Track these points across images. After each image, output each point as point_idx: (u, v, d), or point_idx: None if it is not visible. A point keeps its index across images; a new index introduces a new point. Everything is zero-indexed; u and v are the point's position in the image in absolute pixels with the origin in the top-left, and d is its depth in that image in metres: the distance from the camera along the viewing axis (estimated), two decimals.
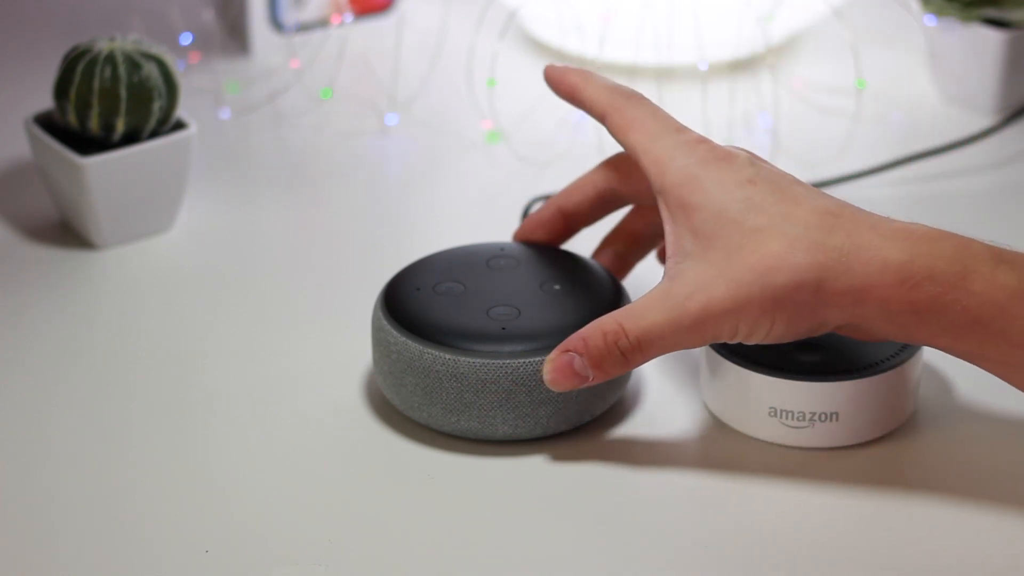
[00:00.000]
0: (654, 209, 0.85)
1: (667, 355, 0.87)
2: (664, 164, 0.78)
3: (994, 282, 0.73)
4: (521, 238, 0.88)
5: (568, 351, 0.77)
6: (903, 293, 0.74)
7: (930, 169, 1.06)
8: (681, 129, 0.80)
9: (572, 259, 0.86)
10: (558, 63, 0.88)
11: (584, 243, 0.99)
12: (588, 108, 0.84)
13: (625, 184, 0.85)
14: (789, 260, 0.74)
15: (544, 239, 0.87)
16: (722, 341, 0.77)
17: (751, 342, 0.77)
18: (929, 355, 0.86)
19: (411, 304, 0.82)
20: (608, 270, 0.85)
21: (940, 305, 0.74)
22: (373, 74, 1.17)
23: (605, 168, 0.86)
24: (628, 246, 0.88)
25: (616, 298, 0.83)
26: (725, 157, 0.77)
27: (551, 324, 0.80)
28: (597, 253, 0.89)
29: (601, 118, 0.83)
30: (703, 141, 0.79)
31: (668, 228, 0.78)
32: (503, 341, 0.80)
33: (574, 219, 0.87)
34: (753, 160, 0.78)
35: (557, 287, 0.83)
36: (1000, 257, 0.74)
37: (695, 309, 0.75)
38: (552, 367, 0.78)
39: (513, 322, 0.80)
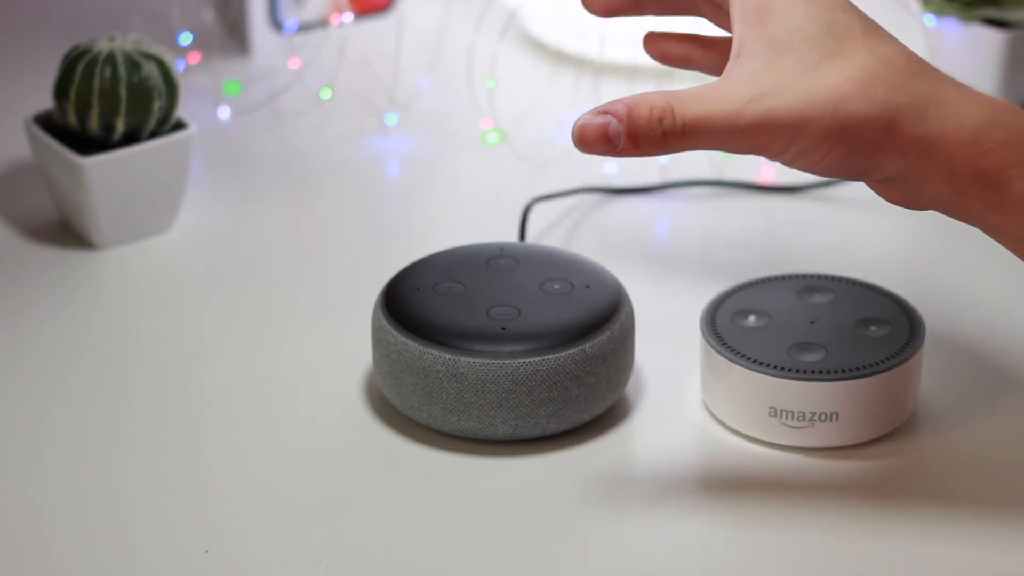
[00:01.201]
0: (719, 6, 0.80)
1: (667, 355, 0.87)
2: None
3: None
4: (587, 3, 0.82)
5: (607, 112, 0.72)
6: (973, 155, 0.70)
7: None
8: None
9: (572, 258, 0.86)
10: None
11: (586, 244, 0.99)
12: None
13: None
14: (869, 91, 0.71)
15: (603, 11, 0.82)
16: (768, 156, 0.72)
17: (795, 167, 0.72)
18: (929, 355, 0.86)
19: (411, 304, 0.82)
20: (615, 279, 0.85)
21: (1006, 178, 0.70)
22: (373, 74, 1.17)
23: None
24: (702, 61, 0.84)
25: (617, 298, 0.83)
26: None
27: (551, 324, 0.80)
28: (659, 38, 0.84)
29: None
30: None
31: (738, 29, 0.74)
32: (503, 341, 0.80)
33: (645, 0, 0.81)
34: None
35: (557, 287, 0.83)
36: None
37: (756, 112, 0.71)
38: (584, 124, 0.72)
39: (513, 322, 0.80)
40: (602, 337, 0.80)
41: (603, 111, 0.72)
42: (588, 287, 0.83)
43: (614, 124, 0.72)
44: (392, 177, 1.09)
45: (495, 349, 0.79)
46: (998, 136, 0.70)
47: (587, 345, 0.80)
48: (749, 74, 0.72)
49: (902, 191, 0.73)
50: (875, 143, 0.71)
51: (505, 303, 0.82)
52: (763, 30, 0.72)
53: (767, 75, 0.71)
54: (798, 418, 0.80)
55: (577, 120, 0.72)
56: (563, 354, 0.79)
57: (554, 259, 0.85)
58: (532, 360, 0.79)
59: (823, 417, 0.80)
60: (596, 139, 0.72)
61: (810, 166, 0.72)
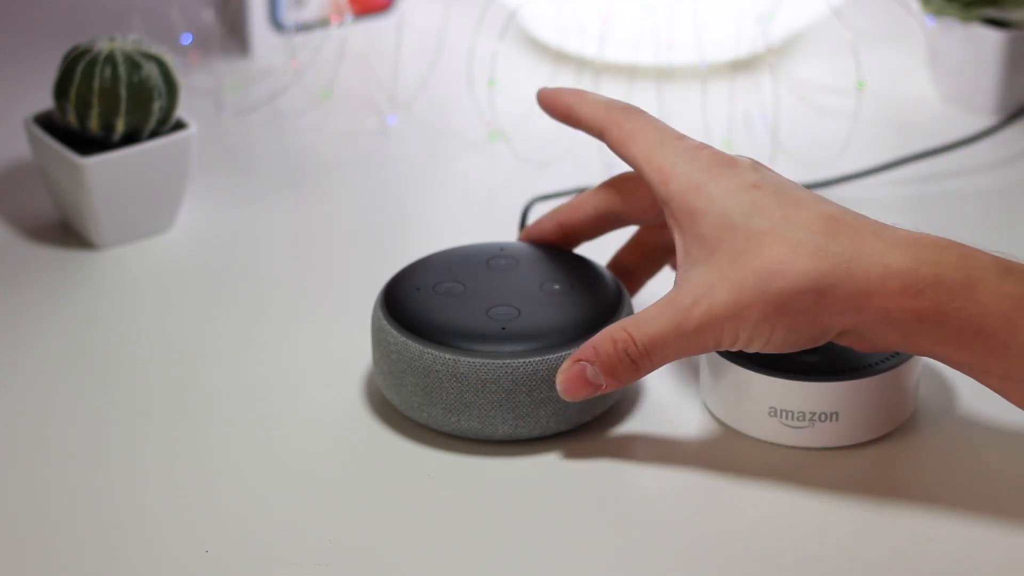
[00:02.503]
0: (661, 227, 0.85)
1: None
2: (667, 172, 0.78)
3: (1000, 292, 0.73)
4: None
5: (580, 360, 0.78)
6: (906, 300, 0.73)
7: (930, 169, 1.06)
8: (682, 137, 0.79)
9: (572, 258, 0.85)
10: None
11: (586, 244, 0.99)
12: (585, 125, 0.83)
13: (626, 205, 0.84)
14: (791, 265, 0.74)
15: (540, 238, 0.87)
16: (725, 348, 0.77)
17: (752, 349, 0.76)
18: None
19: (411, 304, 0.82)
20: (610, 272, 0.85)
21: (943, 313, 0.73)
22: (373, 74, 1.17)
23: (606, 189, 0.85)
24: (638, 261, 0.88)
25: (617, 298, 0.83)
26: (728, 163, 0.77)
27: (551, 324, 0.80)
28: (610, 267, 0.88)
29: (600, 134, 0.82)
30: (705, 147, 0.78)
31: (676, 237, 0.78)
32: (503, 341, 0.80)
33: (574, 235, 0.87)
34: (756, 166, 0.78)
35: (557, 287, 0.83)
36: (1007, 268, 0.73)
37: (698, 315, 0.75)
38: (565, 377, 0.78)
39: (513, 322, 0.80)
40: None
41: (575, 359, 0.78)
42: (588, 287, 0.83)
43: (589, 369, 0.77)
44: (392, 177, 1.09)
45: (495, 349, 0.79)
46: (926, 276, 0.73)
47: None
48: (689, 279, 0.76)
49: (862, 341, 0.76)
50: (811, 310, 0.74)
51: (505, 303, 0.82)
52: (695, 232, 0.76)
53: (704, 274, 0.75)
54: (798, 418, 0.80)
55: (557, 376, 0.78)
56: (563, 354, 0.79)
57: (554, 259, 0.85)
58: (532, 360, 0.79)
59: (823, 417, 0.80)
60: (579, 387, 0.78)
61: (766, 346, 0.76)
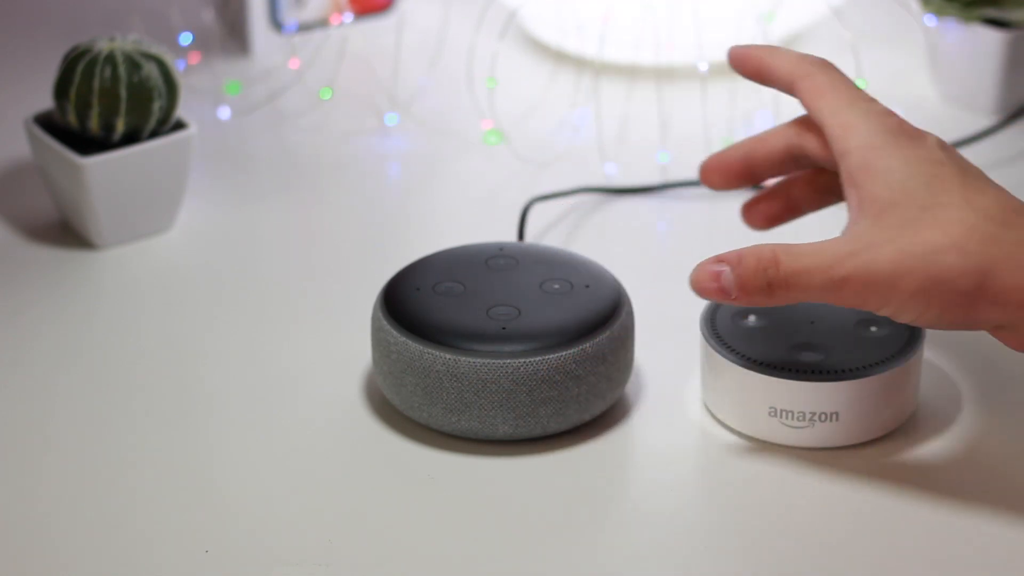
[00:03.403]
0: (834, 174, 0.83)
1: (667, 355, 0.87)
2: (853, 127, 0.77)
3: None
4: (703, 178, 0.86)
5: (721, 261, 0.76)
6: None
7: None
8: (872, 100, 0.79)
9: (572, 259, 0.85)
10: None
11: (586, 244, 0.99)
12: (776, 77, 0.81)
13: (816, 145, 0.82)
14: (963, 244, 0.72)
15: (722, 185, 0.85)
16: (869, 310, 0.75)
17: (899, 321, 0.75)
18: (929, 355, 0.86)
19: (411, 304, 0.82)
20: (615, 279, 0.85)
21: None
22: (373, 74, 1.17)
23: (799, 126, 0.83)
24: (805, 194, 0.86)
25: (617, 299, 0.83)
26: (915, 134, 0.76)
27: (551, 324, 0.80)
28: (774, 189, 0.86)
29: (790, 85, 0.81)
30: (893, 114, 0.77)
31: (849, 193, 0.76)
32: (503, 341, 0.80)
33: (759, 169, 0.85)
34: (943, 144, 0.77)
35: (557, 286, 0.83)
36: None
37: (853, 266, 0.73)
38: (700, 271, 0.76)
39: (513, 322, 0.80)
40: (602, 336, 0.80)
41: (718, 259, 0.76)
42: (588, 287, 0.83)
43: (727, 273, 0.76)
44: (392, 177, 1.09)
45: (495, 349, 0.79)
46: None
47: (587, 344, 0.80)
48: (854, 232, 0.74)
49: (1018, 338, 0.75)
50: (971, 295, 0.73)
51: (505, 303, 0.82)
52: (868, 190, 0.75)
53: (870, 232, 0.74)
54: (798, 418, 0.80)
55: (693, 270, 0.76)
56: (563, 354, 0.79)
57: (554, 259, 0.85)
58: (532, 360, 0.79)
59: (823, 417, 0.80)
60: (710, 285, 0.76)
61: (915, 320, 0.74)
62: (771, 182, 0.87)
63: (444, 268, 0.84)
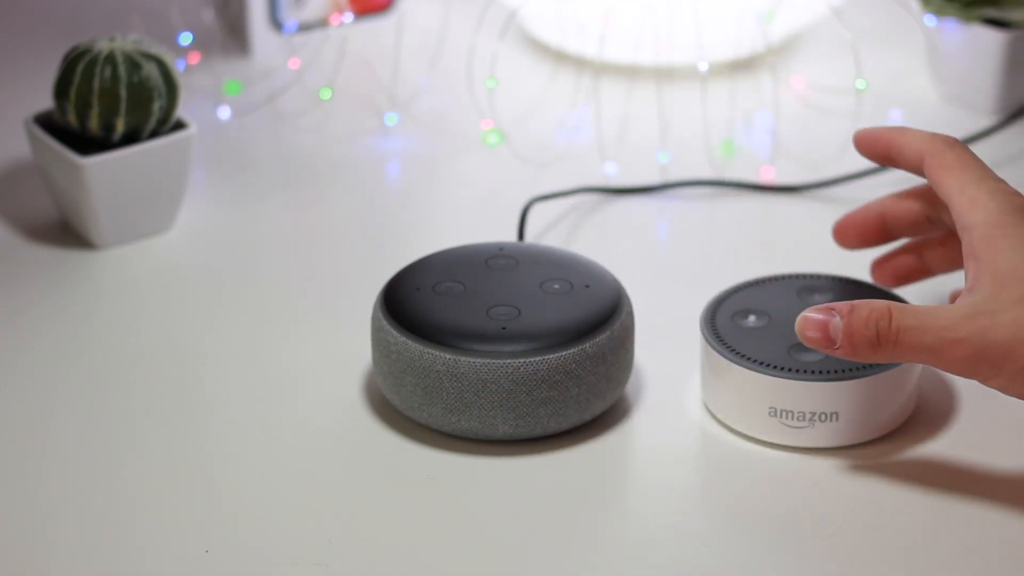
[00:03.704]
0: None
1: (667, 355, 0.87)
2: (980, 203, 0.78)
3: None
4: (838, 237, 0.87)
5: (832, 311, 0.76)
6: None
7: None
8: (1000, 179, 0.80)
9: (572, 259, 0.85)
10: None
11: (586, 244, 0.99)
12: (906, 156, 0.83)
13: (948, 214, 0.84)
14: None
15: (858, 243, 0.87)
16: (976, 378, 0.75)
17: (1008, 393, 0.75)
18: None
19: (411, 304, 0.82)
20: (615, 279, 0.85)
21: None
22: (373, 74, 1.17)
23: (930, 192, 0.85)
24: (937, 255, 0.87)
25: (617, 299, 0.83)
26: None
27: (551, 324, 0.80)
28: (899, 251, 0.88)
29: (918, 160, 0.82)
30: (1020, 195, 0.79)
31: (968, 265, 0.77)
32: (503, 341, 0.80)
33: (893, 228, 0.86)
34: None
35: (557, 287, 0.83)
36: None
37: (968, 331, 0.74)
38: (809, 317, 0.77)
39: (513, 322, 0.80)
40: (602, 336, 0.80)
41: (828, 308, 0.77)
42: (588, 287, 0.83)
43: (836, 321, 0.76)
44: (392, 177, 1.09)
45: (495, 349, 0.79)
46: None
47: (587, 344, 0.80)
48: (972, 301, 0.75)
49: None
50: None
51: (505, 303, 0.82)
52: (989, 262, 0.76)
53: (988, 302, 0.74)
54: (798, 418, 0.80)
55: (804, 312, 0.77)
56: (563, 354, 0.79)
57: (553, 259, 0.85)
58: (532, 360, 0.79)
59: (823, 417, 0.80)
60: (817, 332, 0.76)
61: (1018, 395, 0.74)
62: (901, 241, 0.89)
63: (444, 268, 0.84)
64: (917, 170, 0.83)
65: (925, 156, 0.82)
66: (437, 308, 0.81)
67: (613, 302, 0.82)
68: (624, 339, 0.82)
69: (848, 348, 0.76)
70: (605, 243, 1.00)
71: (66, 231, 1.00)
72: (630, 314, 0.83)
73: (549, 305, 0.82)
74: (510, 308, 0.81)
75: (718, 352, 0.81)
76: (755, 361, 0.81)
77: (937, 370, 0.86)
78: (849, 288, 0.86)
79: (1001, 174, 0.81)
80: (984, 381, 0.75)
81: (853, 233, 0.87)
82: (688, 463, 0.81)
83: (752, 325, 0.83)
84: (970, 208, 0.78)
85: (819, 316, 0.76)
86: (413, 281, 0.84)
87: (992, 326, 0.74)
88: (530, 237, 0.99)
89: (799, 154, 1.07)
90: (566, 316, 0.81)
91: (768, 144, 1.08)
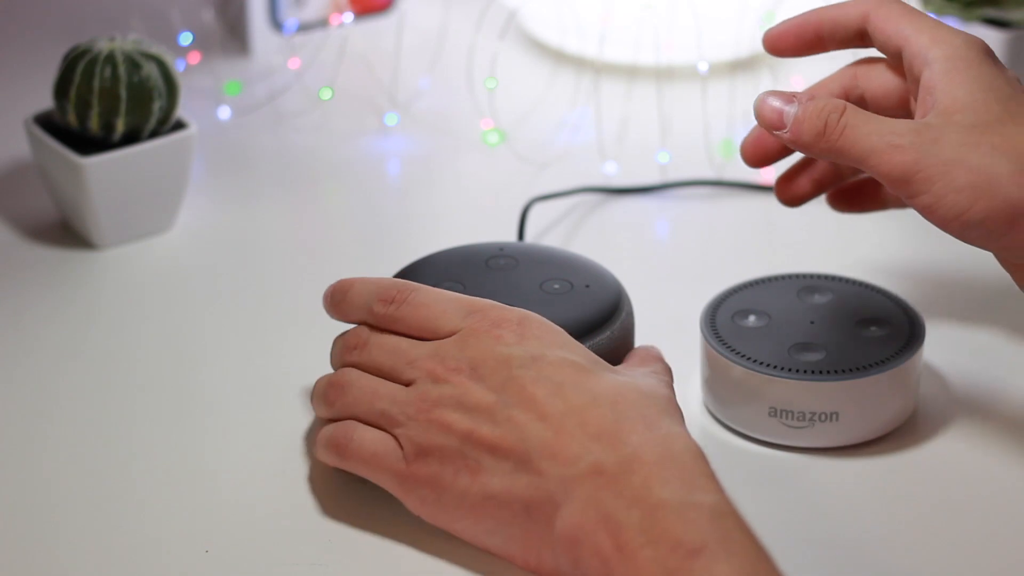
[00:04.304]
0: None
1: (667, 355, 0.87)
2: (944, 39, 0.76)
3: None
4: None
5: (794, 98, 0.76)
6: None
7: None
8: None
9: (572, 259, 0.85)
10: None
11: (586, 244, 0.99)
12: (844, 22, 0.80)
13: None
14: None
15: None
16: (905, 192, 0.74)
17: (932, 215, 0.73)
18: (929, 355, 0.86)
19: None
20: (615, 279, 0.85)
21: None
22: (373, 74, 1.17)
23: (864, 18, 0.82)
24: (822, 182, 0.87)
25: (617, 299, 0.83)
26: (999, 62, 0.77)
27: (553, 322, 0.80)
28: (789, 180, 0.87)
29: (860, 21, 0.80)
30: (981, 40, 0.78)
31: (924, 98, 0.76)
32: None
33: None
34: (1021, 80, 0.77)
35: (557, 287, 0.83)
36: None
37: (912, 142, 0.73)
38: (768, 99, 0.77)
39: None
40: (603, 336, 0.80)
41: (790, 95, 0.77)
42: (588, 287, 0.83)
43: (790, 109, 0.76)
44: (392, 177, 1.09)
45: None
46: None
47: (587, 344, 0.80)
48: (923, 120, 0.74)
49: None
50: (1019, 209, 0.72)
51: (505, 303, 0.82)
52: (946, 92, 0.75)
53: (939, 119, 0.74)
54: (798, 418, 0.80)
55: (765, 94, 0.77)
56: None
57: (554, 259, 0.85)
58: None
59: (823, 417, 0.80)
60: (768, 111, 0.77)
61: (948, 217, 0.73)
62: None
63: (444, 268, 0.84)
64: (858, 36, 0.80)
65: (870, 12, 0.80)
66: None
67: (613, 302, 0.82)
68: (624, 339, 0.82)
69: (794, 134, 0.76)
70: (605, 243, 1.00)
71: (66, 231, 1.00)
72: (630, 314, 0.83)
73: (549, 305, 0.82)
74: None
75: (718, 352, 0.81)
76: (755, 361, 0.81)
77: (937, 370, 0.86)
78: (850, 288, 0.86)
79: None
80: (912, 198, 0.74)
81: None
82: None
83: (752, 325, 0.83)
84: (931, 44, 0.77)
85: (777, 102, 0.76)
86: (414, 281, 0.83)
87: (937, 140, 0.73)
88: (530, 237, 0.99)
89: (799, 154, 1.07)
90: (566, 316, 0.81)
91: None
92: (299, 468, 0.80)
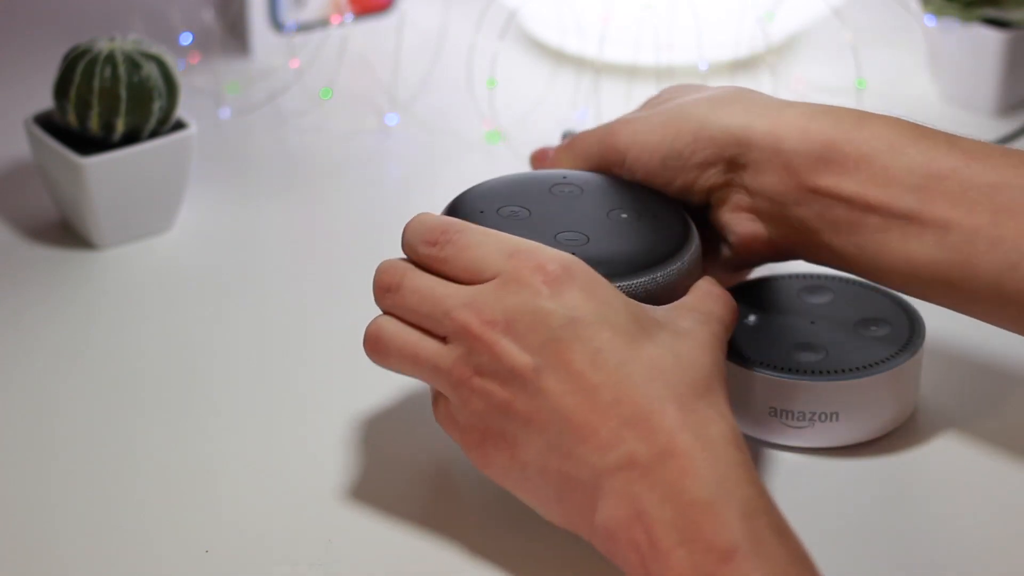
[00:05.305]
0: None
1: None
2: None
3: None
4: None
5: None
6: None
7: None
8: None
9: (638, 188, 0.83)
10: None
11: None
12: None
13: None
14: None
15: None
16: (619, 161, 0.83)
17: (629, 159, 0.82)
18: (929, 355, 0.86)
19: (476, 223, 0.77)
20: (682, 210, 0.82)
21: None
22: (373, 74, 1.17)
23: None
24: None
25: (685, 228, 0.80)
26: None
27: (621, 251, 0.78)
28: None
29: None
30: None
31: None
32: None
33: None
34: None
35: (624, 216, 0.80)
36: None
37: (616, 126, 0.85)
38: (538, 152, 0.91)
39: (583, 248, 0.77)
40: (672, 268, 0.77)
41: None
42: (656, 216, 0.80)
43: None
44: (392, 177, 1.09)
45: None
46: None
47: (659, 274, 0.77)
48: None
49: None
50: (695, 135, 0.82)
51: (573, 228, 0.79)
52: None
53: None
54: (798, 418, 0.80)
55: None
56: (632, 282, 0.76)
57: (619, 188, 0.82)
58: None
59: (823, 417, 0.80)
60: (539, 154, 0.91)
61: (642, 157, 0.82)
62: None
63: (507, 193, 0.81)
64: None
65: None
66: (505, 231, 0.77)
67: (683, 232, 0.79)
68: (692, 271, 0.79)
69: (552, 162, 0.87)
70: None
71: (66, 231, 1.00)
72: (699, 246, 0.80)
73: (618, 233, 0.79)
74: (578, 234, 0.78)
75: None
76: (755, 361, 0.81)
77: (937, 370, 0.86)
78: (850, 288, 0.86)
79: None
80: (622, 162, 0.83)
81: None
82: None
83: (752, 325, 0.83)
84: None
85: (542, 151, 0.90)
86: (476, 204, 0.80)
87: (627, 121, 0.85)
88: None
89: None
90: (635, 244, 0.78)
91: None
92: (299, 468, 0.80)
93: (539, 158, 0.91)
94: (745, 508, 0.66)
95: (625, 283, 0.76)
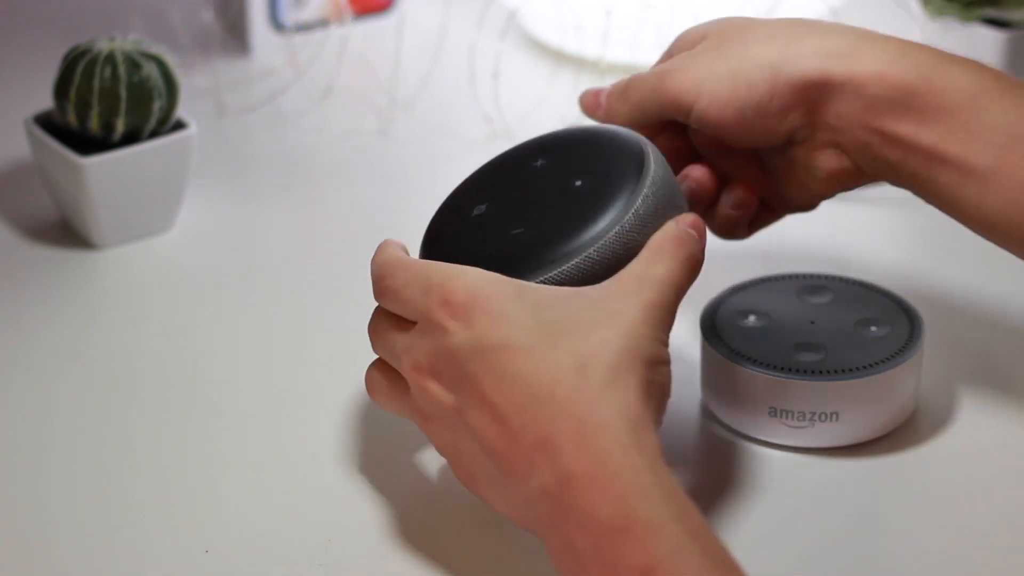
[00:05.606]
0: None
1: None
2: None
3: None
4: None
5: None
6: None
7: None
8: None
9: (607, 140, 0.79)
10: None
11: None
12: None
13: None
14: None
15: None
16: (690, 105, 0.81)
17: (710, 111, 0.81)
18: (929, 355, 0.86)
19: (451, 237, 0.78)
20: (639, 145, 0.78)
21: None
22: (373, 74, 1.17)
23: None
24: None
25: (636, 181, 0.76)
26: None
27: (560, 232, 0.75)
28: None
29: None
30: None
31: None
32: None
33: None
34: None
35: (579, 183, 0.77)
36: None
37: (680, 63, 0.83)
38: (586, 91, 0.87)
39: (523, 241, 0.75)
40: (610, 234, 0.74)
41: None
42: (608, 175, 0.76)
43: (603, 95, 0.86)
44: (392, 177, 1.09)
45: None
46: None
47: (592, 249, 0.74)
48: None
49: None
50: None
51: (525, 217, 0.77)
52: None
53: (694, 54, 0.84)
54: (798, 418, 0.80)
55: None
56: (564, 268, 0.74)
57: (586, 143, 0.80)
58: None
59: (823, 417, 0.80)
60: (590, 97, 0.87)
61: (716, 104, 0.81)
62: None
63: (482, 185, 0.82)
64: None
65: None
66: (472, 239, 0.77)
67: (632, 187, 0.76)
68: (647, 221, 0.75)
69: (606, 108, 0.85)
70: None
71: (66, 231, 1.00)
72: (657, 191, 0.76)
73: (563, 211, 0.76)
74: (524, 226, 0.76)
75: (718, 352, 0.81)
76: (755, 361, 0.81)
77: (937, 370, 0.86)
78: (849, 288, 0.86)
79: None
80: (691, 109, 0.82)
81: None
82: (688, 463, 0.81)
83: (752, 325, 0.83)
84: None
85: (593, 91, 0.86)
86: (453, 215, 0.81)
87: (694, 57, 0.83)
88: None
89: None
90: (573, 224, 0.75)
91: None
92: (299, 468, 0.80)
93: (591, 104, 0.88)
94: (654, 522, 0.64)
95: (554, 273, 0.73)
